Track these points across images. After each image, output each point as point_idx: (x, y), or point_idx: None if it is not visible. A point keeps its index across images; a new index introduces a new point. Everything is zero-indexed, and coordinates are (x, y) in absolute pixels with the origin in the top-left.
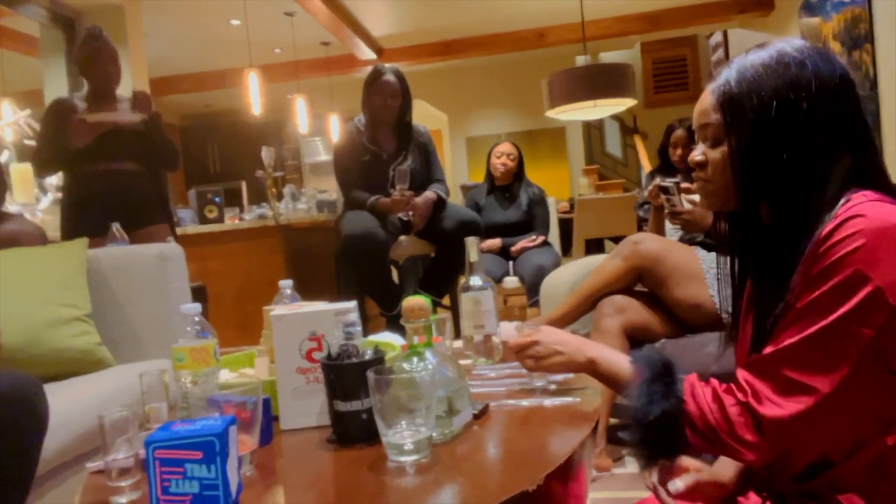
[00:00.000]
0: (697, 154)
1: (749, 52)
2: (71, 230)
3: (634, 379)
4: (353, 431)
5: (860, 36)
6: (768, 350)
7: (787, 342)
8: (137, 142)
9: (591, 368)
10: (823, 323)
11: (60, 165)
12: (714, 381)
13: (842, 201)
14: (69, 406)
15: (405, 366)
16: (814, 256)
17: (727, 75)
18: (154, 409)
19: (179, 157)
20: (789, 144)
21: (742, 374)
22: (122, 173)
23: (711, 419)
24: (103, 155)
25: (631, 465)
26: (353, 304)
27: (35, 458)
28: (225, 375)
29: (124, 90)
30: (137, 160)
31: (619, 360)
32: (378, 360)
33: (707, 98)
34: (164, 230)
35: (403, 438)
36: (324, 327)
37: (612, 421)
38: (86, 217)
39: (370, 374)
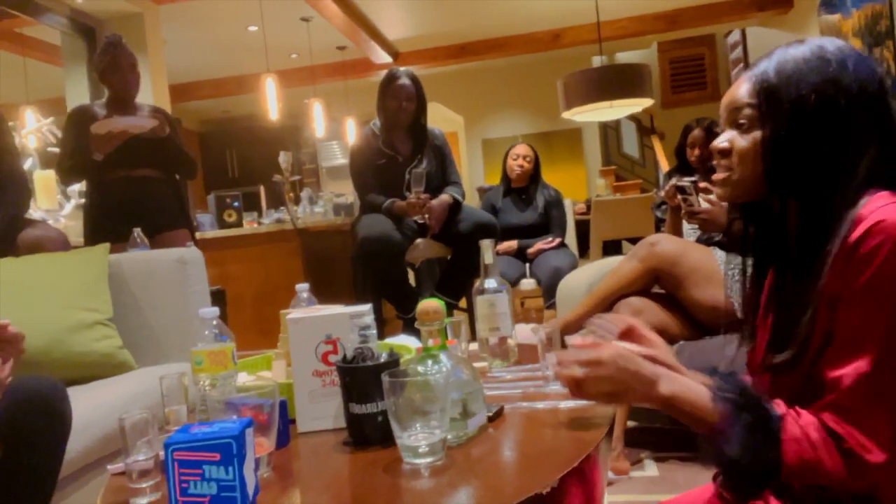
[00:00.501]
0: (722, 141)
1: (789, 45)
2: (94, 236)
3: (723, 422)
4: (369, 434)
5: (881, 32)
6: (845, 384)
7: (859, 372)
8: (156, 149)
9: (668, 405)
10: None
11: (83, 174)
12: (811, 421)
13: (863, 201)
14: (92, 409)
15: (420, 368)
16: (847, 264)
17: (766, 65)
18: (174, 412)
19: (197, 166)
20: (823, 140)
21: (832, 421)
22: (142, 180)
23: (817, 473)
24: (123, 163)
25: (650, 469)
26: (367, 307)
27: (59, 459)
28: (243, 378)
29: (145, 98)
30: (157, 167)
31: (702, 397)
32: (393, 362)
33: (742, 85)
34: (185, 235)
35: (418, 441)
36: (339, 330)
37: (630, 424)
38: (108, 223)
39: (385, 377)
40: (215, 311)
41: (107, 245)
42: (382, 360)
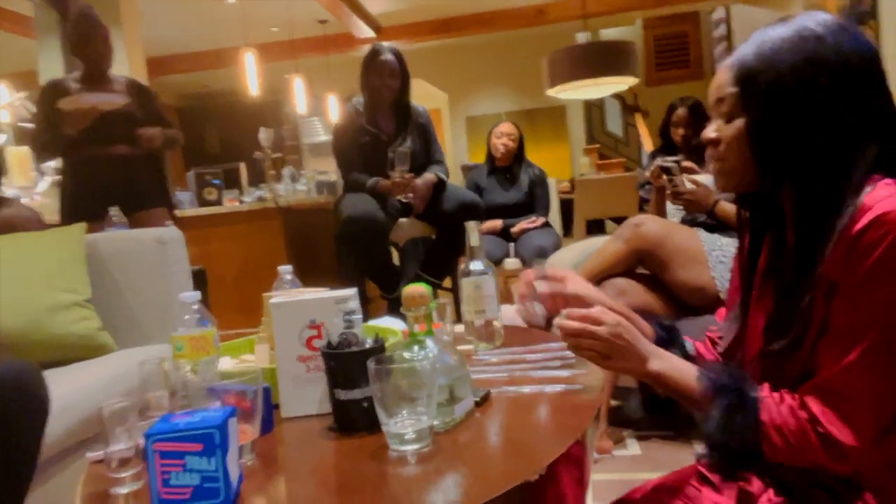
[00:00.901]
0: (711, 131)
1: (769, 26)
2: (69, 215)
3: (705, 402)
4: (355, 419)
5: (865, 11)
6: (833, 370)
7: (849, 360)
8: (134, 125)
9: (655, 380)
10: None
11: (57, 151)
12: (790, 404)
13: (867, 189)
14: (71, 392)
15: (406, 354)
16: (849, 254)
17: (745, 49)
18: (154, 398)
19: (179, 137)
20: (807, 121)
21: (815, 405)
22: (119, 158)
23: (797, 455)
24: (100, 140)
25: (632, 447)
26: (353, 291)
27: (38, 444)
28: (225, 363)
29: (121, 70)
30: (135, 143)
31: (687, 376)
32: (378, 348)
33: (724, 72)
34: (164, 214)
35: (405, 427)
36: (324, 315)
37: (613, 403)
38: (84, 202)
39: (370, 364)
40: (196, 294)
41: (83, 224)
42: (368, 345)
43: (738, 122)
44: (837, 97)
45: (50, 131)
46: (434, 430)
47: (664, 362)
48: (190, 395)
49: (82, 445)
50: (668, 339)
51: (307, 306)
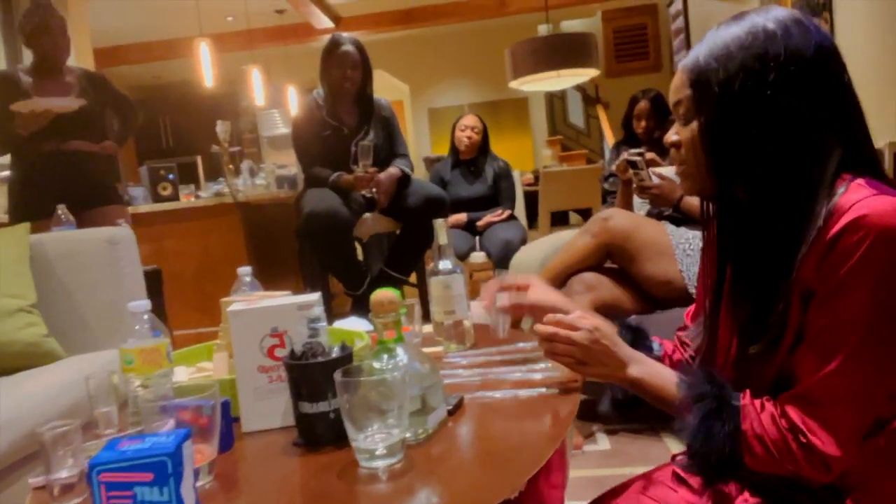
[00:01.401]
0: (672, 133)
1: (721, 25)
2: (18, 213)
3: (685, 409)
4: (321, 434)
5: (818, 3)
6: (812, 378)
7: (828, 367)
8: (85, 118)
9: (633, 386)
10: (861, 337)
11: (6, 146)
12: (771, 412)
13: (840, 190)
14: (15, 404)
15: (375, 364)
16: (824, 258)
17: (698, 50)
18: (103, 414)
19: (138, 112)
20: (758, 120)
21: (795, 414)
22: (71, 154)
23: (778, 464)
24: (51, 135)
25: (602, 442)
26: (316, 296)
27: None
28: (180, 373)
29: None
30: (87, 137)
31: (667, 383)
32: (346, 357)
33: (679, 75)
34: (117, 211)
35: (375, 443)
36: (286, 323)
37: (582, 397)
38: (34, 200)
39: (338, 376)
40: (146, 304)
41: (27, 225)
42: (335, 354)
43: (694, 125)
44: (790, 93)
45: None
46: (406, 442)
47: (644, 367)
48: (141, 415)
49: (29, 461)
50: (633, 341)
51: (268, 314)
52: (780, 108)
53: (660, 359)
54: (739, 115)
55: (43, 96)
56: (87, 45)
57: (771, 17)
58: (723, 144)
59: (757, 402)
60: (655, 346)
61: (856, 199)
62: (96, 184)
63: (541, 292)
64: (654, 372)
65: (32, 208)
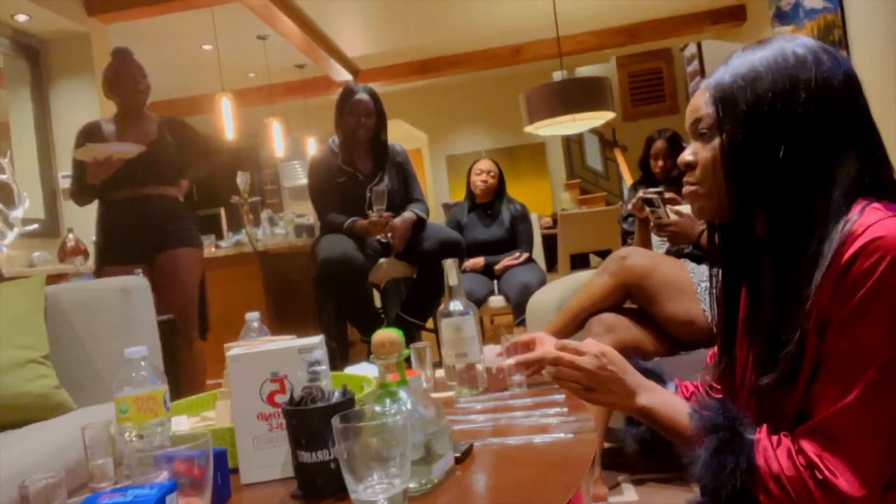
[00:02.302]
0: (688, 154)
1: (747, 48)
2: (102, 260)
3: (696, 440)
4: (321, 485)
5: (834, 42)
6: (830, 410)
7: (848, 400)
8: (156, 161)
9: (644, 416)
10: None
11: (87, 199)
12: (788, 448)
13: (855, 217)
14: (21, 457)
15: (377, 408)
16: (839, 284)
17: (723, 71)
18: (98, 467)
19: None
20: (785, 142)
21: (812, 449)
22: (143, 198)
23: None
24: (123, 182)
25: (628, 493)
26: (318, 339)
27: None
28: (181, 422)
29: (97, 117)
30: (160, 180)
31: (678, 413)
32: (346, 402)
33: (700, 94)
34: (190, 253)
35: (375, 494)
36: (287, 366)
37: (607, 445)
38: (113, 245)
39: (335, 421)
40: (142, 350)
41: (43, 276)
42: (335, 399)
43: (715, 143)
44: (818, 117)
45: (78, 181)
46: (409, 493)
47: (655, 396)
48: (131, 467)
49: None
50: None
51: (267, 358)
52: (806, 130)
53: None
54: (766, 135)
55: (125, 142)
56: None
57: (800, 44)
58: (745, 164)
59: (774, 438)
60: (671, 386)
61: (871, 221)
62: (168, 225)
63: (548, 344)
64: (665, 401)
65: (114, 254)
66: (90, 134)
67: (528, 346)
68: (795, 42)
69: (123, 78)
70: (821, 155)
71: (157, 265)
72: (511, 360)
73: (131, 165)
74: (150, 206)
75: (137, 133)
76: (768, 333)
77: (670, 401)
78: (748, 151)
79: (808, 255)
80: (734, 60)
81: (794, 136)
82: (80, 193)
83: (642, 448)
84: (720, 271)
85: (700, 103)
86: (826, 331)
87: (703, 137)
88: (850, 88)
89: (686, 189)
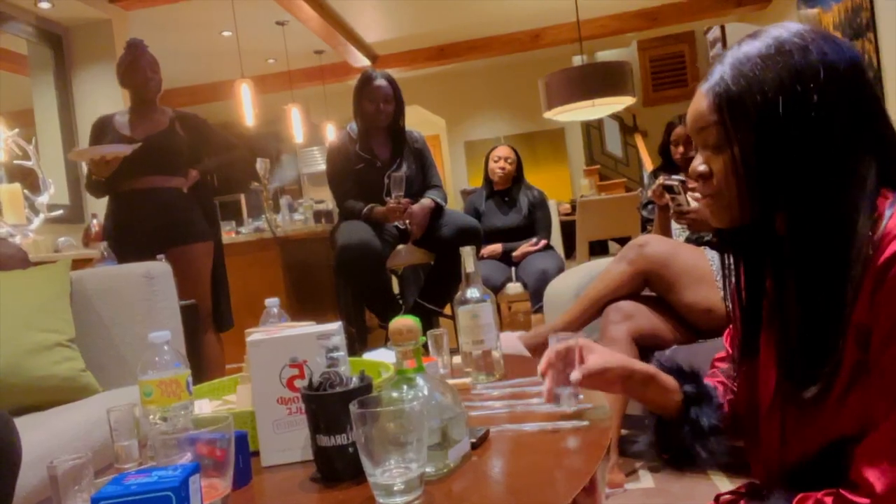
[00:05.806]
0: (699, 164)
1: (742, 42)
2: (112, 250)
3: None
4: (339, 468)
5: (862, 25)
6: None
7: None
8: (160, 154)
9: None
10: None
11: (99, 193)
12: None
13: (887, 214)
14: (48, 439)
15: (394, 394)
16: (876, 290)
17: (721, 72)
18: (123, 448)
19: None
20: (803, 143)
21: (872, 474)
22: (148, 191)
23: None
24: (125, 175)
25: (645, 480)
26: (337, 325)
27: (8, 496)
28: (204, 405)
29: (117, 106)
30: (164, 173)
31: None
32: (364, 388)
33: (701, 99)
34: (199, 249)
35: (392, 478)
36: (306, 352)
37: (624, 432)
38: (122, 238)
39: (353, 407)
40: (166, 334)
41: (68, 261)
42: (353, 384)
43: (729, 152)
44: (830, 111)
45: (88, 177)
46: (426, 478)
47: None
48: (155, 448)
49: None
50: (695, 397)
51: (287, 343)
52: (823, 128)
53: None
54: (781, 140)
55: (136, 134)
56: None
57: (796, 32)
58: (764, 173)
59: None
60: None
61: None
62: (174, 218)
63: (604, 356)
64: None
65: (124, 246)
66: (102, 127)
67: (569, 355)
68: (791, 31)
69: (135, 71)
70: (840, 150)
71: (172, 260)
72: (577, 375)
73: (135, 156)
74: (154, 198)
75: (148, 125)
76: (799, 341)
77: None
78: (765, 159)
79: (837, 256)
80: (731, 57)
81: (809, 133)
82: (91, 188)
83: (655, 452)
84: (737, 268)
85: (702, 109)
86: (865, 337)
87: (714, 147)
88: (857, 75)
89: (703, 201)
